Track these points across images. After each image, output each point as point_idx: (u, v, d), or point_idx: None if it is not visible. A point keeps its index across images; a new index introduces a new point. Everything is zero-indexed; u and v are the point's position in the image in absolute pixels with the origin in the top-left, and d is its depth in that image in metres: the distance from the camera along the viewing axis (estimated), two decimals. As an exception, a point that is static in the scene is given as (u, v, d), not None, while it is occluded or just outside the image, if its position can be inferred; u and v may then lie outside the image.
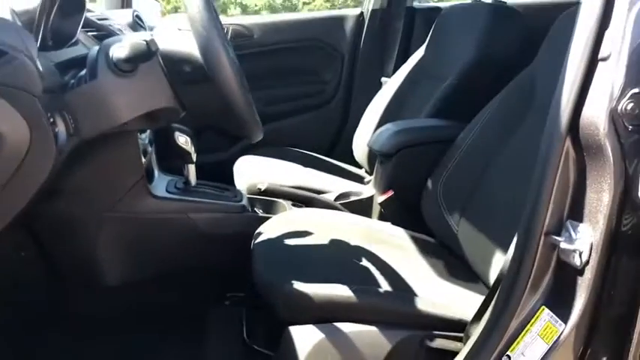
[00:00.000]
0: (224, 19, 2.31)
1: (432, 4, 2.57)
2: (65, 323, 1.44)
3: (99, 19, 1.52)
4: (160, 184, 1.47)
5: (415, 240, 1.49)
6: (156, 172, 1.52)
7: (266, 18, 2.49)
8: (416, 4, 2.42)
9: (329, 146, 2.41)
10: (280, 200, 1.66)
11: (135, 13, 1.89)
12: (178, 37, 1.07)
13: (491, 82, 1.66)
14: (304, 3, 10.34)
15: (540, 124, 1.38)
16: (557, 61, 1.37)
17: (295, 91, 2.37)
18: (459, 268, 1.39)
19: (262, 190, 1.60)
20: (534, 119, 1.38)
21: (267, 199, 1.66)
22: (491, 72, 1.78)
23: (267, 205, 1.65)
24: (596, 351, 0.92)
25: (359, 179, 2.03)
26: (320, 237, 1.38)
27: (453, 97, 1.79)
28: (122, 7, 2.11)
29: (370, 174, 2.08)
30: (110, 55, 1.02)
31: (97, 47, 1.06)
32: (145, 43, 0.96)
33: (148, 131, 1.51)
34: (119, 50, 1.01)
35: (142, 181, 1.36)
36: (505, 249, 1.22)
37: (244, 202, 1.55)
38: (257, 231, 1.40)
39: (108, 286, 1.40)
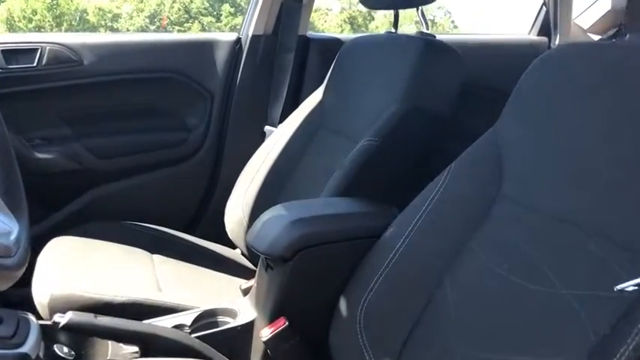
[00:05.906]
0: (36, 36, 1.70)
1: (329, 34, 2.10)
2: None
3: None
4: None
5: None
6: None
7: (103, 37, 1.87)
8: (310, 33, 1.93)
9: (191, 218, 1.87)
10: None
11: None
12: None
13: (426, 142, 1.28)
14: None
15: (517, 210, 0.95)
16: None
17: (143, 141, 1.81)
18: None
19: (61, 325, 0.94)
20: (505, 203, 0.95)
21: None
22: (425, 129, 1.32)
23: (78, 344, 1.01)
24: None
25: (234, 269, 1.46)
26: None
27: (373, 166, 1.27)
28: None
29: (249, 259, 1.52)
30: None
31: None
32: None
33: None
34: None
35: None
36: None
37: (30, 345, 0.89)
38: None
39: None
